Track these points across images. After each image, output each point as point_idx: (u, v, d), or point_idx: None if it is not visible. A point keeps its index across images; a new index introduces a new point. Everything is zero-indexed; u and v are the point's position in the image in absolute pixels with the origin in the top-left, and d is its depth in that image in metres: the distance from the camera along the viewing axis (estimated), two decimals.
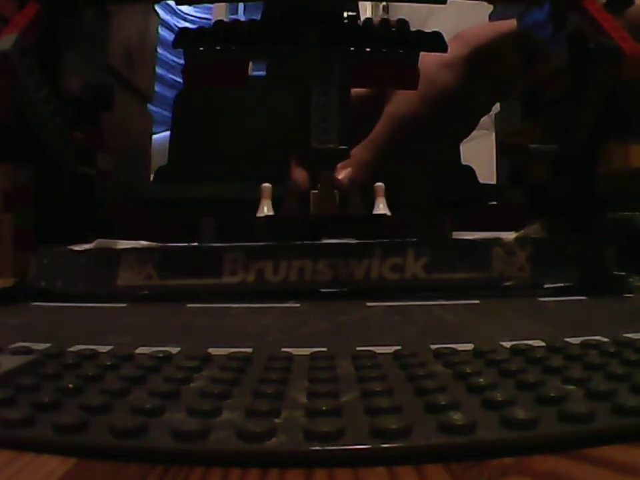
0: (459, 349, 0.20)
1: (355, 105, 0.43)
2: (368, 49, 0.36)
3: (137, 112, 0.74)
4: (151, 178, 0.71)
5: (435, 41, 0.37)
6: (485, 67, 0.46)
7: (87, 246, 0.33)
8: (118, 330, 0.25)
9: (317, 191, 0.37)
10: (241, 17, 1.53)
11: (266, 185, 0.37)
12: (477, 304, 0.30)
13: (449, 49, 0.37)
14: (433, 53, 0.38)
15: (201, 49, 0.35)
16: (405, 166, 0.47)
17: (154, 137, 0.83)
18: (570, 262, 0.33)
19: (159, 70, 1.05)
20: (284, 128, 0.64)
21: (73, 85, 0.36)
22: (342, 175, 0.40)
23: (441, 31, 0.37)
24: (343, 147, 0.36)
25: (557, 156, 0.36)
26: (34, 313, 0.30)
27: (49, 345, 0.22)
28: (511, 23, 0.44)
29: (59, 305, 0.31)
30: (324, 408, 0.15)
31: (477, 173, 0.64)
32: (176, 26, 1.80)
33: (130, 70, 0.69)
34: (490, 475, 0.13)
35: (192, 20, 2.02)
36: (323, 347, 0.21)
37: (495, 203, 0.50)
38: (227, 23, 0.37)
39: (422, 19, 1.05)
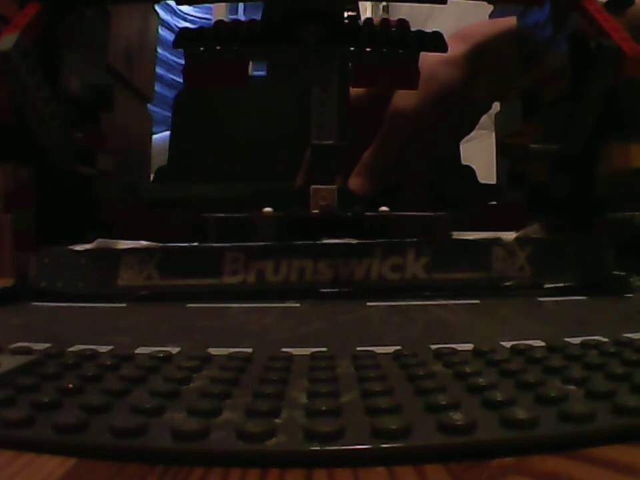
0: (459, 348, 0.20)
1: (358, 105, 0.43)
2: (368, 49, 0.36)
3: (137, 112, 0.74)
4: (151, 178, 0.72)
5: (435, 41, 0.37)
6: (485, 64, 0.46)
7: (87, 246, 0.33)
8: (118, 330, 0.25)
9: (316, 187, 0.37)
10: (241, 16, 1.53)
11: (267, 209, 0.36)
12: (476, 304, 0.30)
13: (448, 46, 0.37)
14: None
15: (201, 49, 0.35)
16: (406, 164, 0.47)
17: (154, 137, 0.83)
18: (570, 262, 0.33)
19: (159, 70, 1.05)
20: (284, 128, 0.64)
21: (73, 84, 0.36)
22: (354, 183, 0.40)
23: (441, 31, 0.37)
24: (342, 143, 0.36)
25: (556, 156, 0.36)
26: (34, 313, 0.30)
27: (48, 345, 0.22)
28: (510, 20, 0.44)
29: (59, 305, 0.31)
30: (324, 408, 0.15)
31: (477, 172, 0.64)
32: (176, 26, 1.81)
33: (130, 70, 0.69)
34: (490, 474, 0.13)
35: (192, 20, 2.02)
36: (323, 347, 0.21)
37: (495, 202, 0.50)
38: (227, 22, 0.37)
39: (422, 18, 1.05)
